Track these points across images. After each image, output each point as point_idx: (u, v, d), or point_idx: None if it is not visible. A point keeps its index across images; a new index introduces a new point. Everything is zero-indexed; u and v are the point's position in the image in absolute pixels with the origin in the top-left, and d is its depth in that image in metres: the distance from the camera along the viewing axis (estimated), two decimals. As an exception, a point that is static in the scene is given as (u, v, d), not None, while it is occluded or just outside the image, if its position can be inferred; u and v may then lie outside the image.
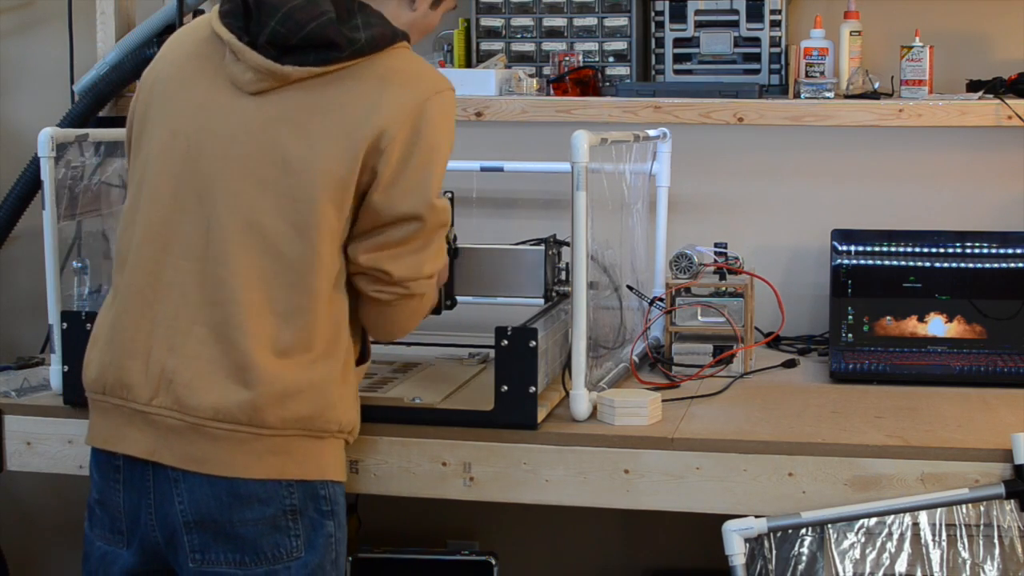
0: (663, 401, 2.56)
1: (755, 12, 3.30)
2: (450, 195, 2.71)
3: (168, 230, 2.19)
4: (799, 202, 3.31)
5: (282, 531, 2.18)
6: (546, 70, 3.41)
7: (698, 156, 3.27)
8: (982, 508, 2.33)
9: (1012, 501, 2.32)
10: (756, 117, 3.20)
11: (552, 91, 3.34)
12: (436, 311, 2.75)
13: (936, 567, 2.33)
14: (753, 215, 3.32)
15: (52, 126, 2.66)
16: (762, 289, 2.99)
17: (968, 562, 2.33)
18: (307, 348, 2.17)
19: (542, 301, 2.80)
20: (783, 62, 3.31)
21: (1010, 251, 3.07)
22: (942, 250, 3.09)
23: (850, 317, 3.09)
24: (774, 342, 3.15)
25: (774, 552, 2.38)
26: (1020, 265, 3.07)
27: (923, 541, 2.34)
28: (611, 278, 2.77)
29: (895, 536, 2.34)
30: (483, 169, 3.10)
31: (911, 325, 3.07)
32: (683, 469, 2.40)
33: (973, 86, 3.23)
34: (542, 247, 2.81)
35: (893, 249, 3.11)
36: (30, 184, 3.33)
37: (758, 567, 2.38)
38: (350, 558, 3.18)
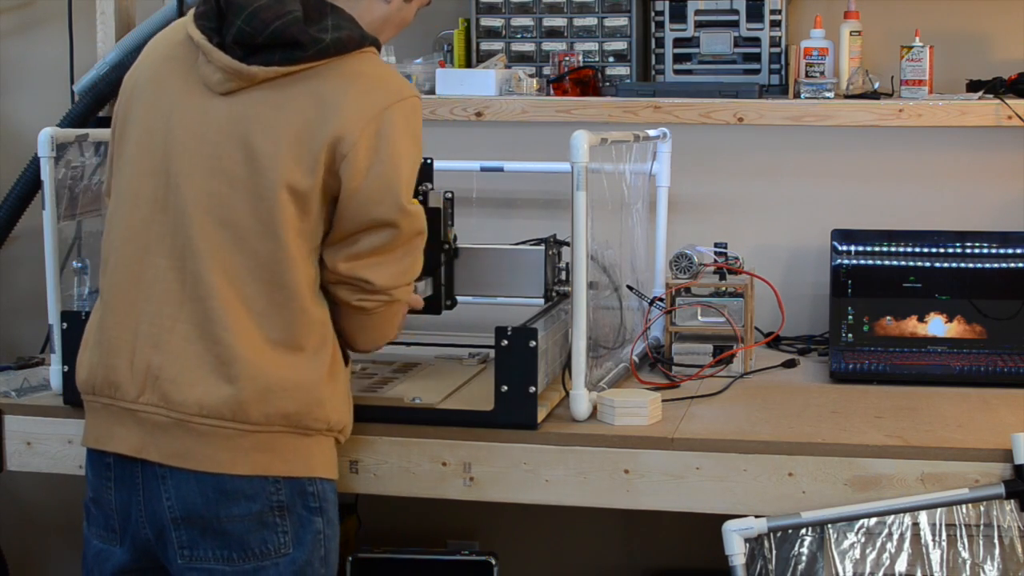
0: (663, 401, 2.56)
1: (755, 12, 3.30)
2: (450, 195, 2.72)
3: (147, 230, 2.22)
4: (799, 202, 3.31)
5: (269, 527, 2.19)
6: (546, 70, 3.41)
7: (698, 156, 3.27)
8: (982, 508, 2.33)
9: (1012, 501, 2.32)
10: (756, 117, 3.20)
11: (552, 91, 3.34)
12: (436, 311, 2.75)
13: (936, 567, 2.33)
14: (753, 215, 3.32)
15: (52, 126, 2.67)
16: (762, 289, 2.99)
17: (968, 562, 2.33)
18: (291, 345, 2.18)
19: (542, 301, 2.80)
20: (783, 62, 3.31)
21: (1010, 251, 3.07)
22: (942, 250, 3.09)
23: (850, 317, 3.09)
24: (774, 342, 3.15)
25: (774, 552, 2.38)
26: (1020, 265, 3.07)
27: (923, 541, 2.34)
28: (611, 278, 2.77)
29: (895, 536, 2.34)
30: (483, 169, 3.10)
31: (911, 325, 3.07)
32: (683, 469, 2.40)
33: (973, 86, 3.23)
34: (542, 247, 2.81)
35: (893, 249, 3.11)
36: (30, 184, 3.33)
37: (758, 567, 2.38)
38: (350, 558, 3.18)
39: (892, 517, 2.34)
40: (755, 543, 2.38)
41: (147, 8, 3.45)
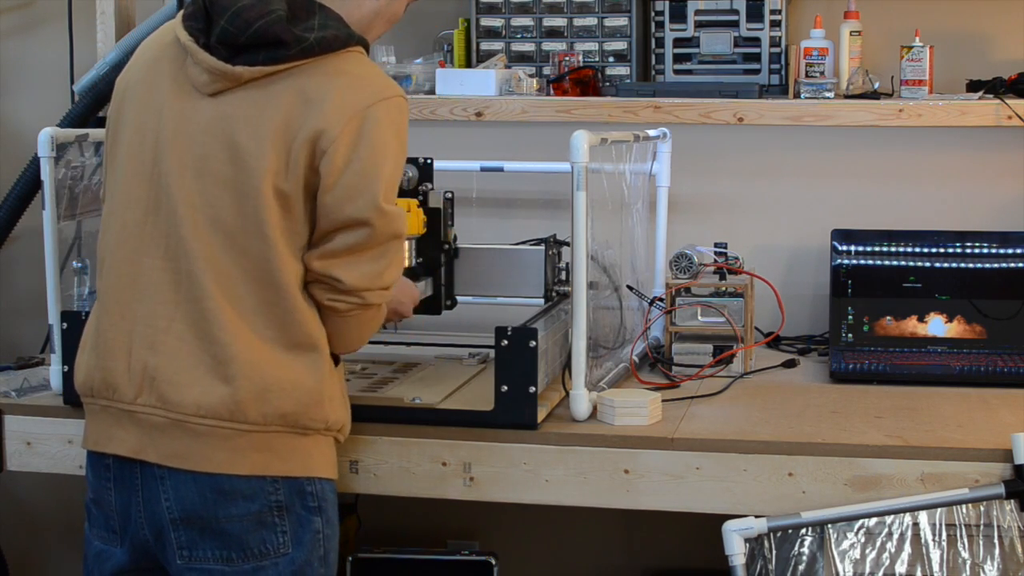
0: (663, 401, 2.56)
1: (755, 12, 3.30)
2: (450, 195, 2.72)
3: (140, 232, 2.22)
4: (799, 202, 3.31)
5: (268, 527, 2.19)
6: (546, 70, 3.41)
7: (698, 156, 3.27)
8: (982, 508, 2.33)
9: (1012, 501, 2.32)
10: (756, 117, 3.20)
11: (552, 91, 3.34)
12: (436, 311, 2.75)
13: (936, 567, 2.33)
14: (753, 215, 3.32)
15: (52, 126, 2.67)
16: (762, 289, 2.99)
17: (968, 562, 2.33)
18: (287, 345, 2.18)
19: (542, 301, 2.81)
20: (783, 62, 3.31)
21: (1010, 251, 3.07)
22: (942, 250, 3.09)
23: (850, 317, 3.09)
24: (774, 342, 3.15)
25: (774, 552, 2.38)
26: (1020, 265, 3.07)
27: (923, 541, 2.34)
28: (611, 278, 2.77)
29: (895, 536, 2.34)
30: (483, 169, 3.10)
31: (911, 325, 3.07)
32: (683, 469, 2.40)
33: (973, 86, 3.23)
34: (542, 247, 2.81)
35: (893, 249, 3.11)
36: (30, 184, 3.33)
37: (758, 567, 2.38)
38: (350, 558, 3.18)
39: (892, 517, 2.34)
40: (755, 543, 2.38)
41: (147, 8, 3.45)
